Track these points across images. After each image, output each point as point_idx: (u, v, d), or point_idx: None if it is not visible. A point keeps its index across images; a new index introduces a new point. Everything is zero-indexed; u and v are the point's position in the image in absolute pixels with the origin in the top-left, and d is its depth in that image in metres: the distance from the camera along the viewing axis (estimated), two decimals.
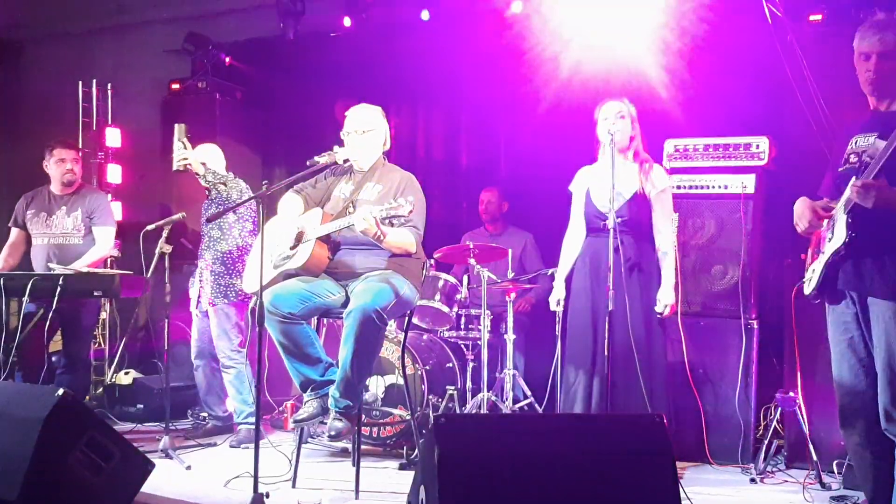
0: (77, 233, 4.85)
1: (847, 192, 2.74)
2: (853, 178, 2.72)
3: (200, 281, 4.73)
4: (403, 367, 4.07)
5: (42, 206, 4.90)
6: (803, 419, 3.94)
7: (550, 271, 4.59)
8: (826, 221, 2.88)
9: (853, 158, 2.82)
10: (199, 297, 4.77)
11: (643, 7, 5.02)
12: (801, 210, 2.92)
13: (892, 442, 2.78)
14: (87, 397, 5.50)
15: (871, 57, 2.78)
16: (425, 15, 5.33)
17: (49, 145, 4.91)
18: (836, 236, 2.77)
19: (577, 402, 3.82)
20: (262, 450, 3.28)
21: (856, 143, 2.85)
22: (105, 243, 4.88)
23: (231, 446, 4.62)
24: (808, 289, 2.98)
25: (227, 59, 6.37)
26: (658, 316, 3.83)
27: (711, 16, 4.97)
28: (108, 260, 5.72)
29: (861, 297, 2.82)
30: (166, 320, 4.36)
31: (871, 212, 2.67)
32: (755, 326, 4.29)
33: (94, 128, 6.50)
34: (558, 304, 4.10)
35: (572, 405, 3.84)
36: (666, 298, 3.82)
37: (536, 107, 5.80)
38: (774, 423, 4.17)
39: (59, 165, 4.86)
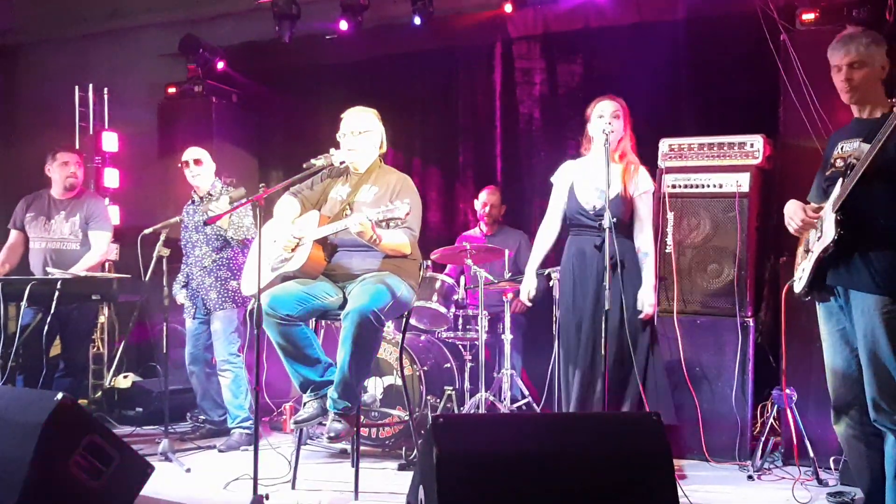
0: (74, 238, 4.85)
1: (835, 192, 2.83)
2: (840, 179, 2.83)
3: (197, 287, 4.72)
4: (402, 367, 4.08)
5: (41, 210, 4.90)
6: (796, 416, 3.97)
7: (547, 271, 4.60)
8: (816, 221, 2.94)
9: (839, 163, 2.92)
10: (194, 302, 4.76)
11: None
12: (793, 210, 3.02)
13: (884, 433, 2.83)
14: (86, 401, 5.52)
15: (843, 68, 2.93)
16: (417, 20, 5.39)
17: (52, 150, 4.93)
18: (826, 234, 2.85)
19: (574, 400, 3.83)
20: (261, 452, 3.30)
21: (842, 148, 2.97)
22: (100, 247, 4.87)
23: (220, 451, 4.58)
24: (798, 287, 3.05)
25: (223, 63, 6.39)
26: (640, 317, 3.78)
27: (706, 16, 5.00)
28: (107, 263, 5.73)
29: (846, 290, 2.89)
30: (164, 323, 4.36)
31: (858, 210, 2.78)
32: (751, 324, 4.31)
33: (91, 132, 6.51)
34: (529, 295, 4.00)
35: (569, 404, 3.86)
36: (648, 299, 3.80)
37: (532, 106, 5.83)
38: (771, 420, 4.19)
39: (62, 169, 4.87)
